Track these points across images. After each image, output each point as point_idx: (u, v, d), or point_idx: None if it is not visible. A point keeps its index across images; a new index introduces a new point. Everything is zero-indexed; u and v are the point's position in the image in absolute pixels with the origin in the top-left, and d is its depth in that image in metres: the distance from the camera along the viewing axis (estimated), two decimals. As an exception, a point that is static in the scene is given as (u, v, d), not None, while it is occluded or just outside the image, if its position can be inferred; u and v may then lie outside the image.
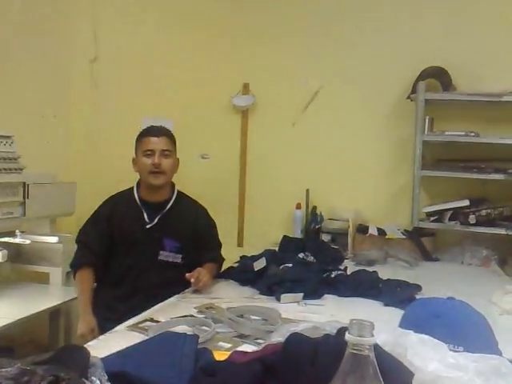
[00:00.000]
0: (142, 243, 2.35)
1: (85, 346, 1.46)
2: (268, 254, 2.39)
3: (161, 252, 2.36)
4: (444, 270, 2.86)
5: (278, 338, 1.19)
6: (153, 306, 1.87)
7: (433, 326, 1.10)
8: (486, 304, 2.01)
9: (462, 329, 1.09)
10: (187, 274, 2.07)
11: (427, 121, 3.12)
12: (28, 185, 2.80)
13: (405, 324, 1.19)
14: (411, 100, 3.22)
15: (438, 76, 3.18)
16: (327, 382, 0.73)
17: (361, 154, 3.45)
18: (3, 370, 0.79)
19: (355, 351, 0.64)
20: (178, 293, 2.08)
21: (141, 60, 3.76)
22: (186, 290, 2.13)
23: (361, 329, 0.65)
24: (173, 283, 2.18)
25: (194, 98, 3.65)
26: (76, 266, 2.38)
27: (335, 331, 1.17)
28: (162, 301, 1.94)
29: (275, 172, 3.56)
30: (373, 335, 0.65)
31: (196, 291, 2.10)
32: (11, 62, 3.24)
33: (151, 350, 1.08)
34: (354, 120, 3.45)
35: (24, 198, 2.77)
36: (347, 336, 0.65)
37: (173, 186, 2.49)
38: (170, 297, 2.01)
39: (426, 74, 3.18)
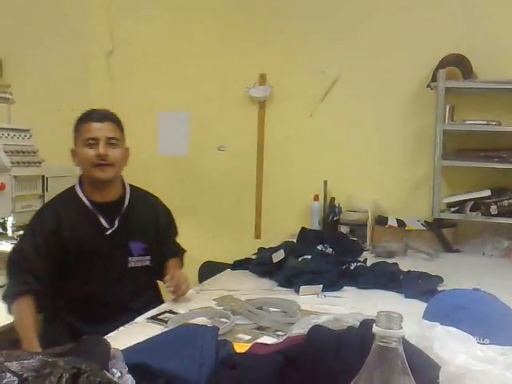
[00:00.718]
0: (106, 253, 1.96)
1: (105, 336, 1.48)
2: (286, 246, 2.37)
3: (129, 258, 2.01)
4: (465, 262, 2.81)
5: (299, 330, 1.18)
6: (127, 321, 1.58)
7: (458, 317, 1.08)
8: (510, 296, 1.97)
9: (488, 320, 1.06)
10: (166, 282, 1.81)
11: (448, 109, 3.07)
12: (47, 178, 2.81)
13: (429, 316, 1.16)
14: (431, 88, 3.17)
15: (458, 64, 3.11)
16: (351, 376, 0.71)
17: (379, 144, 3.41)
18: (25, 361, 0.79)
19: (383, 344, 0.62)
20: (152, 302, 1.87)
21: (156, 53, 3.75)
22: (205, 282, 2.12)
23: (389, 321, 0.63)
24: (145, 290, 2.03)
25: (211, 90, 3.64)
26: (12, 295, 1.86)
27: (358, 323, 1.16)
28: (137, 314, 1.65)
29: (293, 163, 3.53)
30: (401, 327, 0.63)
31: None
32: (29, 57, 3.26)
33: (171, 342, 1.07)
34: (373, 110, 3.40)
35: (43, 191, 2.78)
36: (375, 328, 0.63)
37: (122, 181, 2.09)
38: (144, 309, 1.72)
39: (446, 62, 3.12)
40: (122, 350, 1.08)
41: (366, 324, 0.93)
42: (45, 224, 1.95)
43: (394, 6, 3.35)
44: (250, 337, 1.46)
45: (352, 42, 3.41)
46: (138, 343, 1.12)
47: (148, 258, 2.06)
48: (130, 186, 2.11)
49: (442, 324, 1.03)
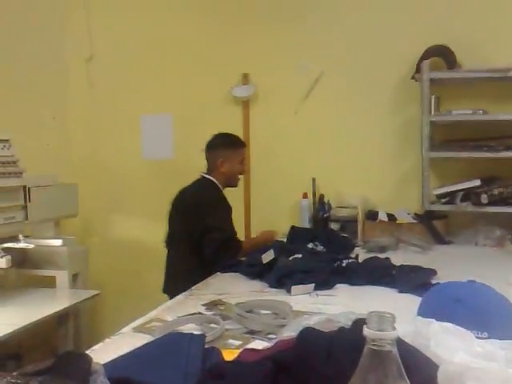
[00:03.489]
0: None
1: (90, 349, 1.42)
2: (276, 246, 2.32)
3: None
4: (458, 253, 2.78)
5: (290, 332, 1.13)
6: None
7: (454, 310, 1.03)
8: (506, 286, 1.93)
9: (485, 313, 1.02)
10: None
11: (433, 100, 3.04)
12: (29, 188, 2.74)
13: (424, 310, 1.12)
14: (416, 80, 3.14)
15: (442, 54, 3.09)
16: (344, 380, 0.66)
17: (366, 139, 3.37)
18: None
19: (375, 347, 0.57)
20: None
21: (136, 56, 3.69)
22: (194, 287, 2.07)
23: (381, 322, 0.58)
24: None
25: (193, 91, 3.59)
26: (233, 235, 2.71)
27: (350, 323, 1.11)
28: None
29: (280, 162, 3.49)
30: (394, 328, 0.58)
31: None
32: (6, 64, 3.18)
33: (156, 353, 1.02)
34: (358, 104, 3.37)
35: (25, 201, 2.71)
36: (366, 331, 0.58)
37: None
38: None
39: (429, 53, 3.09)
40: (104, 364, 1.03)
41: (358, 324, 0.88)
42: (219, 198, 2.80)
43: (374, -1, 3.33)
44: (240, 342, 1.40)
45: (334, 36, 3.38)
46: (122, 356, 1.06)
47: None
48: None
49: (437, 318, 0.99)
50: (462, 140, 3.08)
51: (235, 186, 2.92)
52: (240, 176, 2.91)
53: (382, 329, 0.57)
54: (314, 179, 3.35)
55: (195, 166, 3.59)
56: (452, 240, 3.04)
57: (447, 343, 0.78)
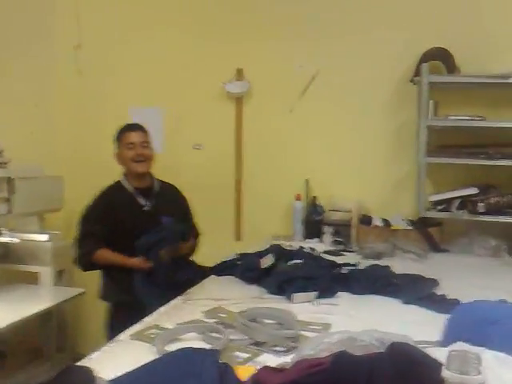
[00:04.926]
0: (142, 225, 2.50)
1: (88, 357, 1.33)
2: (275, 250, 2.24)
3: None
4: (455, 262, 2.73)
5: (309, 351, 1.05)
6: None
7: (488, 333, 0.96)
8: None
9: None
10: None
11: (431, 105, 2.98)
12: (13, 179, 2.62)
13: (453, 331, 1.05)
14: (414, 83, 3.08)
15: (441, 58, 3.03)
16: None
17: (362, 141, 3.31)
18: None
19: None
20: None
21: (127, 46, 3.56)
22: (189, 290, 1.99)
23: (464, 363, 0.50)
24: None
25: (185, 86, 3.48)
26: (92, 249, 2.51)
27: (375, 342, 1.03)
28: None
29: (273, 161, 3.40)
30: (480, 372, 0.50)
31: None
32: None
33: (167, 371, 0.93)
34: (354, 105, 3.29)
35: (9, 193, 2.58)
36: (446, 373, 0.51)
37: (151, 173, 2.74)
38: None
39: (429, 56, 3.03)
40: (110, 381, 0.94)
41: (397, 348, 0.80)
42: (99, 205, 2.59)
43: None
44: (247, 355, 1.32)
45: (332, 35, 3.29)
46: (129, 372, 0.97)
47: None
48: (156, 178, 2.75)
49: (471, 341, 0.92)
50: (459, 146, 3.04)
51: (138, 172, 2.63)
52: (138, 161, 2.61)
53: (466, 372, 0.50)
54: (307, 180, 3.28)
55: (185, 162, 3.51)
56: (447, 248, 2.99)
57: (503, 376, 0.71)
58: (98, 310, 2.67)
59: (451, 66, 3.04)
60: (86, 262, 2.55)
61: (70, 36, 3.61)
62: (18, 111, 3.25)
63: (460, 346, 0.84)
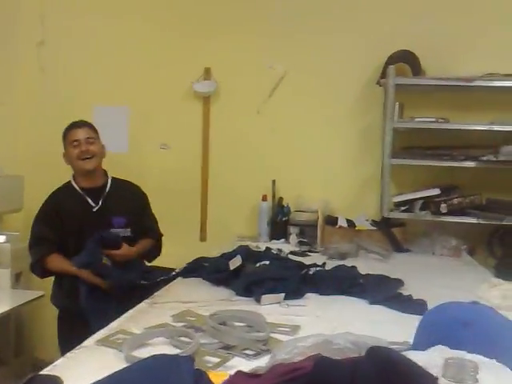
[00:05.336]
0: (91, 226, 2.45)
1: (52, 365, 1.28)
2: (243, 251, 2.23)
3: (111, 230, 2.52)
4: (417, 262, 2.77)
5: (284, 355, 1.04)
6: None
7: (462, 335, 0.97)
8: (473, 298, 1.93)
9: (495, 338, 0.96)
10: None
11: (397, 107, 3.02)
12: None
13: (426, 333, 1.06)
14: (380, 85, 3.12)
15: (407, 60, 3.08)
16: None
17: (328, 142, 3.33)
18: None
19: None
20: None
21: (92, 43, 3.49)
22: (156, 294, 1.95)
23: (461, 371, 0.50)
24: None
25: (152, 84, 3.43)
26: (43, 255, 2.47)
27: (349, 345, 1.03)
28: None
29: (239, 162, 3.39)
30: (476, 380, 0.50)
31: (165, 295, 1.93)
32: None
33: (140, 380, 0.91)
34: (321, 107, 3.32)
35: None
36: (442, 381, 0.50)
37: (105, 172, 2.67)
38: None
39: (395, 58, 3.07)
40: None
41: (375, 354, 0.80)
42: (47, 209, 2.55)
43: (343, 2, 3.28)
44: (218, 359, 1.30)
45: (300, 36, 3.31)
46: (98, 382, 0.94)
47: (128, 230, 2.57)
48: (113, 176, 2.67)
49: (444, 342, 0.93)
50: (422, 148, 3.09)
51: (85, 170, 2.55)
52: (83, 159, 2.53)
53: (463, 379, 0.49)
54: (273, 181, 3.28)
55: (151, 162, 3.46)
56: (409, 248, 3.03)
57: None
58: (56, 313, 2.60)
59: (417, 69, 3.10)
60: (40, 269, 2.51)
61: (33, 33, 3.51)
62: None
63: (440, 349, 0.85)
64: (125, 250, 2.48)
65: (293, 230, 3.15)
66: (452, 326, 1.00)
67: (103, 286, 2.38)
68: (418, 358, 0.80)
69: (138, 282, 2.38)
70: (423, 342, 1.03)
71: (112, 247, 2.42)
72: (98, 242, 2.37)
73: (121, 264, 2.45)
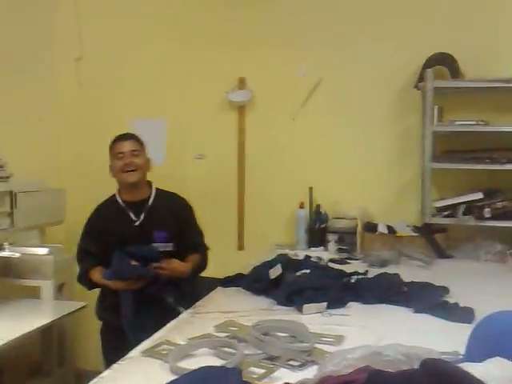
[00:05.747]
0: (133, 240, 2.44)
1: (99, 376, 1.29)
2: (282, 259, 2.21)
3: (152, 245, 2.48)
4: (461, 268, 2.70)
5: (333, 367, 1.02)
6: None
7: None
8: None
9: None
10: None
11: (436, 110, 2.97)
12: (15, 193, 2.58)
13: (479, 344, 1.02)
14: (418, 89, 3.07)
15: (445, 63, 3.02)
16: None
17: (365, 148, 3.29)
18: None
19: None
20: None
21: (129, 57, 3.55)
22: (197, 304, 1.96)
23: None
24: None
25: (188, 95, 3.46)
26: (87, 268, 2.53)
27: (400, 356, 1.01)
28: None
29: (276, 170, 3.38)
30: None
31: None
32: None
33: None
34: (357, 112, 3.28)
35: (12, 207, 2.55)
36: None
37: (150, 184, 2.65)
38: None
39: (432, 61, 3.02)
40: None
41: (432, 365, 0.77)
42: (91, 224, 2.60)
43: (377, 6, 3.25)
44: (263, 370, 1.29)
45: (334, 43, 3.28)
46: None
47: (170, 244, 2.52)
48: (158, 188, 2.65)
49: (499, 355, 0.90)
50: (463, 151, 3.02)
51: (127, 182, 2.53)
52: (127, 171, 2.51)
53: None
54: (310, 188, 3.26)
55: (187, 173, 3.49)
56: (452, 254, 2.96)
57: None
58: (99, 325, 2.64)
59: (455, 71, 3.03)
60: (85, 281, 2.56)
61: (70, 48, 3.59)
62: (20, 125, 3.22)
63: (498, 361, 0.82)
64: (179, 265, 2.45)
65: (331, 238, 3.11)
66: (508, 337, 0.96)
67: (134, 286, 2.37)
68: (475, 370, 0.78)
69: (170, 300, 2.39)
70: (477, 353, 0.99)
71: (149, 261, 2.39)
72: (122, 254, 2.37)
73: (173, 279, 2.43)
